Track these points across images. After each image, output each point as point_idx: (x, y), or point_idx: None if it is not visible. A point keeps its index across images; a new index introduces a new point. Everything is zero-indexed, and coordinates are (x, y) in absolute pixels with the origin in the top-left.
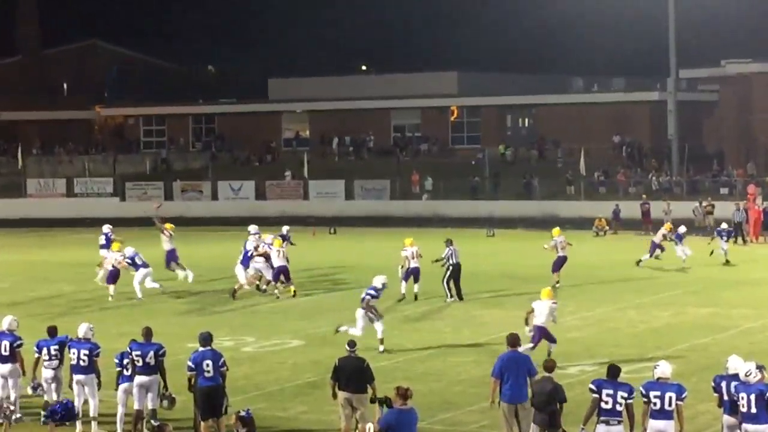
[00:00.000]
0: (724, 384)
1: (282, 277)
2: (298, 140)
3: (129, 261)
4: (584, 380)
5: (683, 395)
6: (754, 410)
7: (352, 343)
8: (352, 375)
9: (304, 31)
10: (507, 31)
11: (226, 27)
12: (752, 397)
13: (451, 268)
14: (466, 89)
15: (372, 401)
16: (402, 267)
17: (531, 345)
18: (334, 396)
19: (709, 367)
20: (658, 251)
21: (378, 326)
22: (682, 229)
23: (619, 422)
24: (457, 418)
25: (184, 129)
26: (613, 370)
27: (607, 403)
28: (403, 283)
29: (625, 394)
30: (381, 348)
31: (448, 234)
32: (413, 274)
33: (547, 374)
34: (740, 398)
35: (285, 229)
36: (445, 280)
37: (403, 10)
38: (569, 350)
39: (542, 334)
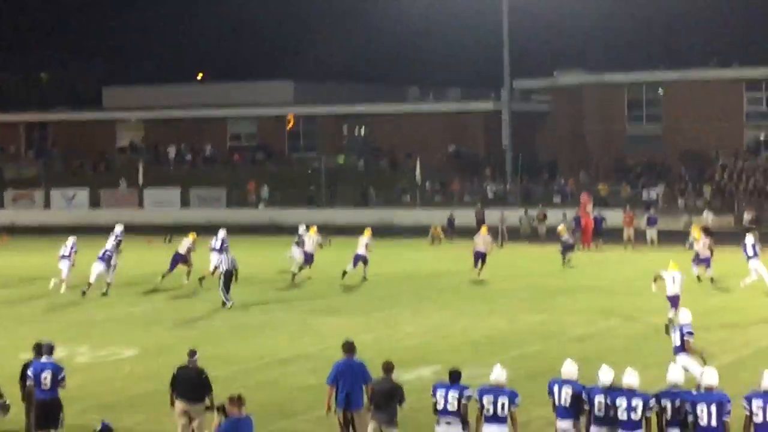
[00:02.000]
0: (555, 387)
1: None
2: (133, 149)
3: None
4: (420, 387)
5: (516, 400)
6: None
7: (192, 353)
8: (189, 385)
9: (139, 39)
10: (344, 41)
11: (60, 34)
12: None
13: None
14: (303, 98)
15: (209, 409)
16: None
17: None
18: (172, 405)
19: (542, 373)
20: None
21: None
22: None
23: (456, 423)
24: (294, 426)
25: (16, 137)
26: (454, 375)
27: (447, 404)
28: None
29: (457, 394)
30: None
31: (285, 243)
32: (308, 262)
33: (385, 375)
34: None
35: (118, 229)
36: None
37: (239, 19)
38: (405, 357)
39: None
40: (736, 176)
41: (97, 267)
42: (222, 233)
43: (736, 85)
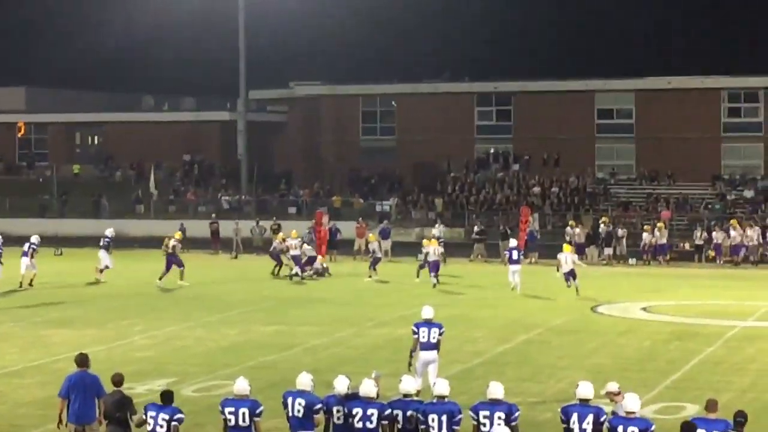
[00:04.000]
0: (290, 399)
1: None
2: None
3: None
4: (152, 399)
5: (258, 411)
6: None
7: None
8: None
9: None
10: (78, 48)
11: None
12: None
13: None
14: (34, 105)
15: None
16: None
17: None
18: None
19: (276, 384)
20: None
21: None
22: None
23: None
24: None
25: None
26: (166, 396)
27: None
28: None
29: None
30: None
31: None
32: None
33: (116, 388)
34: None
35: None
36: None
37: None
38: (138, 369)
39: (571, 274)
40: (467, 188)
41: None
42: None
43: (467, 98)
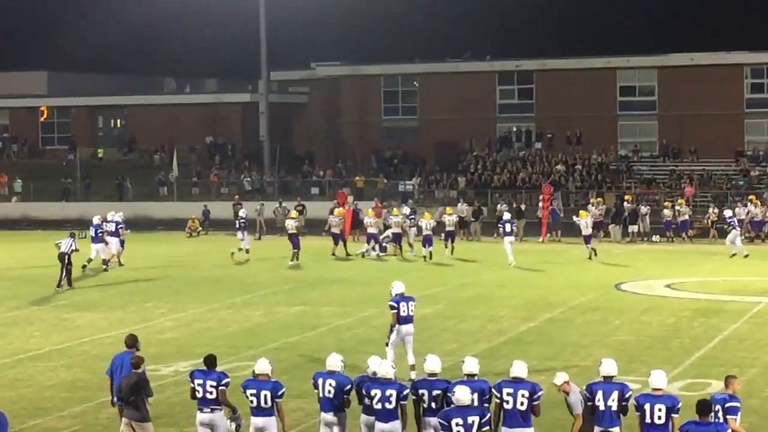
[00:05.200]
0: (320, 380)
1: None
2: None
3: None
4: (178, 381)
5: (280, 392)
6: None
7: None
8: None
9: None
10: (99, 31)
11: None
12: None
13: None
14: (57, 89)
15: None
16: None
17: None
18: None
19: (300, 366)
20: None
21: None
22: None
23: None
24: (48, 423)
25: None
26: (209, 360)
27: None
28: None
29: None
30: None
31: (40, 237)
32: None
33: (133, 370)
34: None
35: None
36: None
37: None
38: (162, 351)
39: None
40: (489, 167)
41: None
42: None
43: (489, 77)
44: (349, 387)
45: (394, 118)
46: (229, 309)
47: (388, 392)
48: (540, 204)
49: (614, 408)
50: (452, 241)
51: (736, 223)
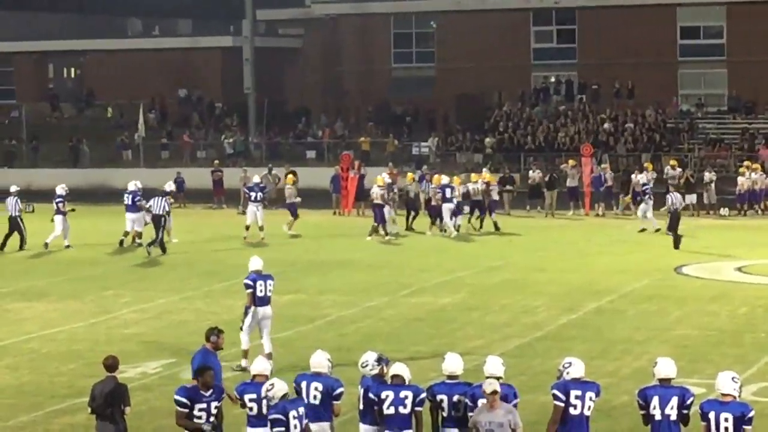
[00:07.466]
0: (303, 383)
1: None
2: None
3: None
4: (148, 384)
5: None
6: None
7: None
8: None
9: None
10: None
11: None
12: None
13: None
14: None
15: None
16: None
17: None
18: None
19: (295, 366)
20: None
21: None
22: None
23: None
24: None
25: None
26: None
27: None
28: None
29: None
30: None
31: None
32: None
33: (109, 374)
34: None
35: None
36: None
37: None
38: (127, 349)
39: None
40: (522, 126)
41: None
42: None
43: (522, 16)
44: (339, 391)
45: (406, 66)
46: (206, 298)
47: (402, 394)
48: (580, 168)
49: (673, 417)
50: (482, 214)
51: None
